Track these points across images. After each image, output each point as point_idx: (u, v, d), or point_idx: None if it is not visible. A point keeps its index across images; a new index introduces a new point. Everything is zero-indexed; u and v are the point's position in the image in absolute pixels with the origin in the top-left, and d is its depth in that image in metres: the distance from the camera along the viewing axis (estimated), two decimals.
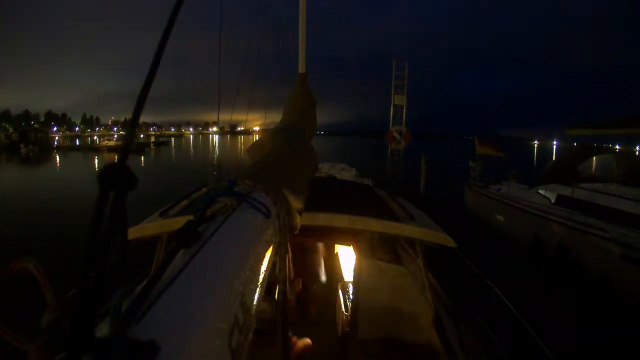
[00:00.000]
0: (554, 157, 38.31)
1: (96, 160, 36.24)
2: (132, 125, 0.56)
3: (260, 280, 0.83)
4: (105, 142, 51.96)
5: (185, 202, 2.96)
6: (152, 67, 0.56)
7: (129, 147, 0.52)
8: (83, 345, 0.40)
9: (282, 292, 1.07)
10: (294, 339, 2.10)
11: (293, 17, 4.34)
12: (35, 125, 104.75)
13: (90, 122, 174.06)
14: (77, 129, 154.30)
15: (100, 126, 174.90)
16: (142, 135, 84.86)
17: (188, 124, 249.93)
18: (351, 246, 3.79)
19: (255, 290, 0.78)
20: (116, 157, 0.49)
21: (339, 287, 3.72)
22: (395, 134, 16.63)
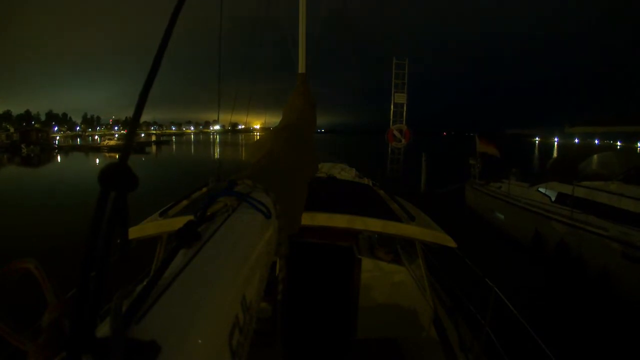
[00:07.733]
0: (554, 154, 38.21)
1: (97, 160, 36.25)
2: (132, 125, 0.55)
3: (261, 280, 0.83)
4: (106, 141, 51.69)
5: (185, 202, 2.94)
6: (153, 66, 0.55)
7: (129, 146, 0.51)
8: (83, 345, 0.40)
9: (282, 292, 1.07)
10: None
11: (293, 17, 4.32)
12: (36, 126, 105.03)
13: (91, 122, 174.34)
14: (78, 128, 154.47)
15: (101, 125, 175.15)
16: (142, 135, 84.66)
17: (189, 123, 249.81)
18: (351, 246, 3.78)
19: (255, 290, 0.78)
20: (117, 156, 0.48)
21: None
22: (395, 132, 16.62)
